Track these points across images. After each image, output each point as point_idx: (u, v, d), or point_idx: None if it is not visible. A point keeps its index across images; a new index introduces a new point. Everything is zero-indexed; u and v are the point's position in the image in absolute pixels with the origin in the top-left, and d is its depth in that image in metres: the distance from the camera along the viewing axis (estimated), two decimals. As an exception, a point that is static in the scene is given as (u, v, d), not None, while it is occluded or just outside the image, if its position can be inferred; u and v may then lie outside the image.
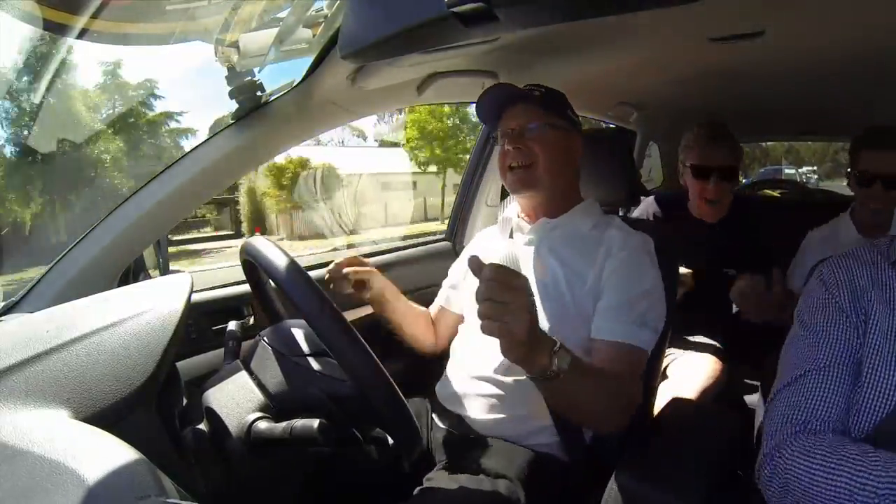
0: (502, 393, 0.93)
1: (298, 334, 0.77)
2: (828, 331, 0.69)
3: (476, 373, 0.96)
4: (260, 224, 15.96)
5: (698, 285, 1.49)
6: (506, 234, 1.08)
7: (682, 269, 1.28)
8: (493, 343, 0.98)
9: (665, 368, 1.44)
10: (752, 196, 2.68)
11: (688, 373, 1.41)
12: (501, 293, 0.64)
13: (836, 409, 0.65)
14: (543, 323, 0.93)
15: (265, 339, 0.77)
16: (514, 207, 1.10)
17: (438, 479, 0.85)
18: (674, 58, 1.31)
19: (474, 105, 1.06)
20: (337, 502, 0.89)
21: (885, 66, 1.25)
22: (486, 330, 0.65)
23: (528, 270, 1.00)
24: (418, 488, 0.84)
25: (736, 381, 1.61)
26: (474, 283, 1.08)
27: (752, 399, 1.53)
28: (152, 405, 0.57)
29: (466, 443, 0.94)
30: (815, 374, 0.67)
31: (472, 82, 1.28)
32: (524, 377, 0.94)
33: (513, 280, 0.65)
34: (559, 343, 0.70)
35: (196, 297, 1.05)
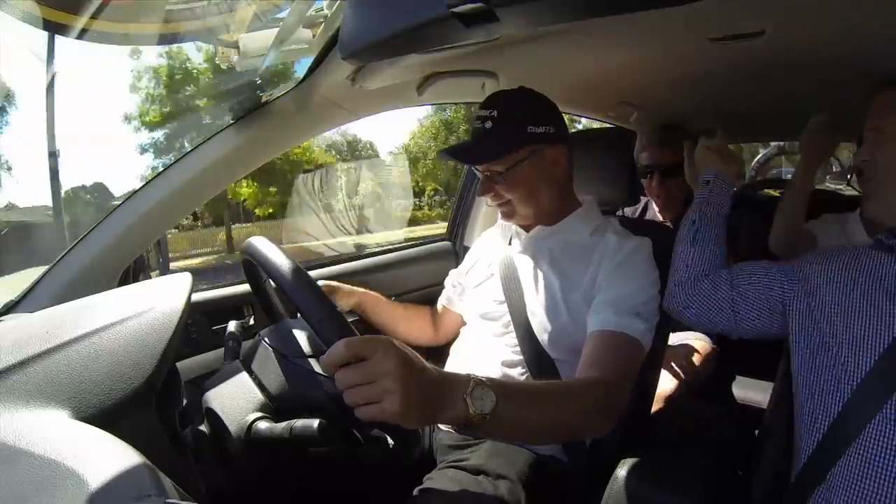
0: None
1: (299, 335, 0.77)
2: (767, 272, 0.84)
3: (476, 375, 0.96)
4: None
5: None
6: (506, 241, 1.08)
7: None
8: (493, 345, 0.99)
9: None
10: (751, 196, 2.68)
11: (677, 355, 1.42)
12: (362, 374, 0.54)
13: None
14: (540, 333, 0.93)
15: (265, 339, 0.77)
16: None
17: (438, 479, 0.85)
18: (674, 58, 1.31)
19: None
20: (337, 502, 0.89)
21: (885, 66, 1.25)
22: (364, 416, 0.54)
23: (525, 278, 1.00)
24: (418, 488, 0.84)
25: (730, 378, 1.61)
26: (476, 287, 1.09)
27: (747, 396, 1.54)
28: (152, 405, 0.57)
29: (467, 443, 0.94)
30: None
31: (472, 82, 1.28)
32: (524, 379, 0.94)
33: (367, 349, 0.54)
34: (472, 383, 0.60)
35: (196, 296, 1.05)
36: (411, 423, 0.56)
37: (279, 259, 0.69)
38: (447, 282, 1.23)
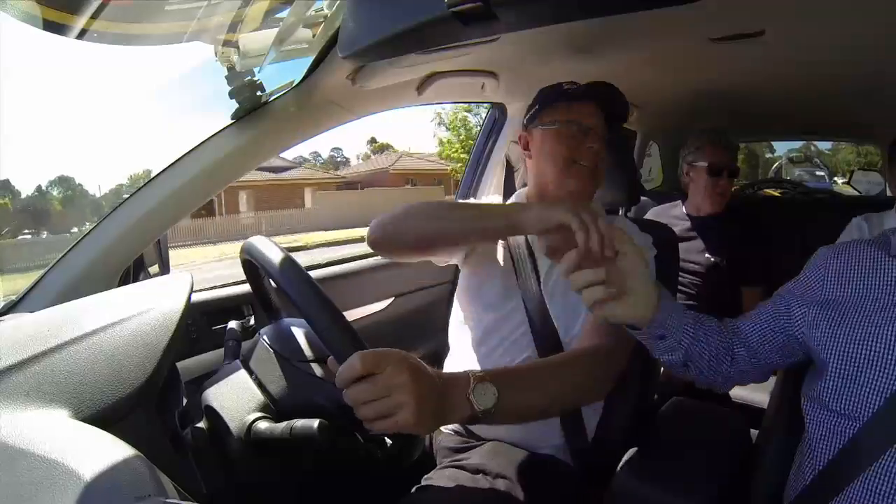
0: None
1: (298, 334, 0.77)
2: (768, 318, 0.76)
3: (475, 370, 0.96)
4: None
5: (701, 278, 1.67)
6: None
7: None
8: (494, 344, 0.99)
9: None
10: (751, 195, 2.69)
11: None
12: (376, 389, 0.55)
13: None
14: (553, 311, 0.93)
15: (265, 337, 0.77)
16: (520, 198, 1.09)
17: (437, 478, 0.85)
18: (674, 58, 1.31)
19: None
20: (337, 502, 0.89)
21: (885, 65, 1.25)
22: (378, 430, 0.57)
23: (538, 258, 0.99)
24: (416, 486, 0.84)
25: None
26: (480, 283, 1.08)
27: (747, 396, 1.53)
28: (152, 405, 0.57)
29: (467, 445, 0.94)
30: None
31: (472, 82, 1.28)
32: (530, 356, 0.94)
33: (379, 364, 0.56)
34: (473, 381, 0.62)
35: (196, 296, 1.05)
36: (423, 431, 0.59)
37: (283, 262, 0.68)
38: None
